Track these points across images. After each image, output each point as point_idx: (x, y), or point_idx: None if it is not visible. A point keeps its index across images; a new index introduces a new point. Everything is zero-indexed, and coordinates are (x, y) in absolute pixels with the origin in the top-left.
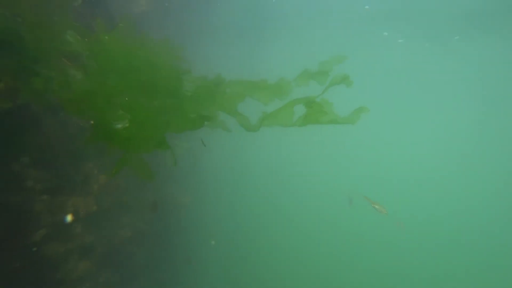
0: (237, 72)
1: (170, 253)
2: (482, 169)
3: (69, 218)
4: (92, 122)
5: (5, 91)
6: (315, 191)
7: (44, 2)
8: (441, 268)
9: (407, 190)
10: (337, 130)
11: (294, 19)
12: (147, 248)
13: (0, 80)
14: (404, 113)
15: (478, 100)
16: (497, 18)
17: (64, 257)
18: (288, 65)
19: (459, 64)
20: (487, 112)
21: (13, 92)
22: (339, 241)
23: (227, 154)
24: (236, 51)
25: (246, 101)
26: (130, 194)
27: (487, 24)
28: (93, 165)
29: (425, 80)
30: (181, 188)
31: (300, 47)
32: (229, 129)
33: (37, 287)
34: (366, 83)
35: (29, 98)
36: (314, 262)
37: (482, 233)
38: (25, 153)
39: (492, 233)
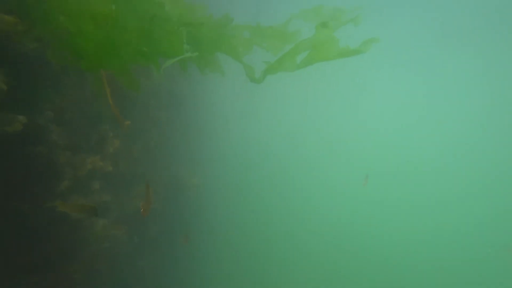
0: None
1: (179, 230)
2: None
3: (87, 174)
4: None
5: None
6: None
7: None
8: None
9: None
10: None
11: None
12: (158, 222)
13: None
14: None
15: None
16: None
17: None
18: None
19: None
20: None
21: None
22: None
23: (237, 138)
24: None
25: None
26: (143, 167)
27: None
28: (109, 128)
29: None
30: (190, 169)
31: None
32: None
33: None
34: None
35: (51, 56)
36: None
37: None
38: (48, 109)
39: None
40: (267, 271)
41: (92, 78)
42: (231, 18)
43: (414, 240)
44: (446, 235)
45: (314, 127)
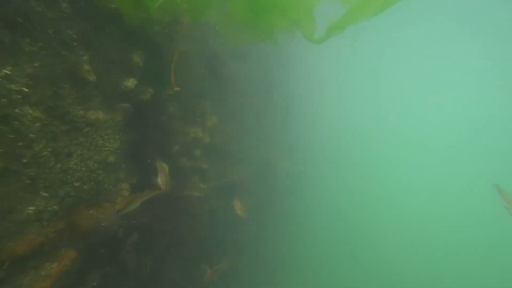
0: None
1: (267, 207)
2: None
3: (191, 142)
4: None
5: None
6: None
7: None
8: None
9: None
10: None
11: None
12: (249, 197)
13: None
14: None
15: None
16: None
17: (189, 173)
18: None
19: None
20: None
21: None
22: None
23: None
24: None
25: None
26: (237, 145)
27: None
28: (208, 105)
29: None
30: (280, 153)
31: None
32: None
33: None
34: None
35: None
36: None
37: None
38: (168, 86)
39: None
40: (348, 256)
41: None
42: None
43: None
44: None
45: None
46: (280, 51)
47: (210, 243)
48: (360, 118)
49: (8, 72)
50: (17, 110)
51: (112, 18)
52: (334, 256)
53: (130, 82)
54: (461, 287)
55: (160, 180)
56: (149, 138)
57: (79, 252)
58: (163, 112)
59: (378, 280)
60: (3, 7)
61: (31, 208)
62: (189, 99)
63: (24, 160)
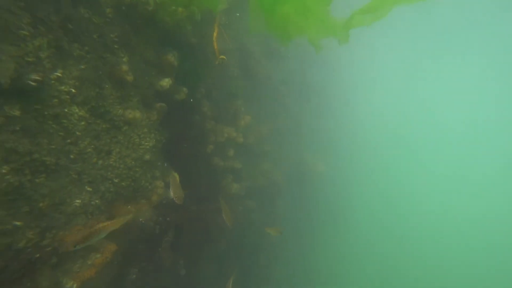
0: None
1: (301, 209)
2: None
3: (225, 142)
4: None
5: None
6: None
7: None
8: None
9: None
10: None
11: None
12: (284, 199)
13: None
14: None
15: None
16: None
17: (222, 173)
18: None
19: None
20: None
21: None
22: None
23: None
24: None
25: None
26: (270, 146)
27: None
28: (241, 104)
29: None
30: (316, 156)
31: None
32: None
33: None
34: None
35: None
36: None
37: None
38: (201, 86)
39: None
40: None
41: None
42: None
43: None
44: None
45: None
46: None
47: (243, 245)
48: (396, 117)
49: (59, 74)
50: (66, 110)
51: (149, 20)
52: (372, 260)
53: (165, 82)
54: None
55: (173, 192)
56: (184, 138)
57: (119, 246)
58: (197, 112)
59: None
60: (58, 15)
61: (77, 201)
62: (223, 99)
63: (72, 156)
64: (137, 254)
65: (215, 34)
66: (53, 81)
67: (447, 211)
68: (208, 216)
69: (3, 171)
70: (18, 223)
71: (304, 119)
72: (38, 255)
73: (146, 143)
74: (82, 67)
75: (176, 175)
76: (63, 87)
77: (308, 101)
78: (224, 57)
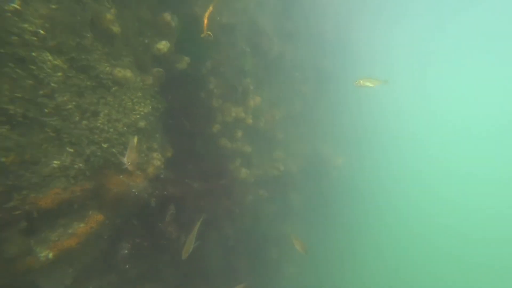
0: None
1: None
2: None
3: (232, 122)
4: None
5: None
6: None
7: None
8: None
9: None
10: None
11: None
12: (299, 192)
13: None
14: None
15: None
16: None
17: (230, 155)
18: None
19: None
20: None
21: None
22: None
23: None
24: None
25: None
26: (283, 133)
27: None
28: (250, 81)
29: None
30: (334, 148)
31: None
32: None
33: (214, 173)
34: None
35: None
36: None
37: None
38: (207, 61)
39: None
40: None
41: None
42: None
43: None
44: None
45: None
46: (337, 36)
47: (252, 236)
48: (418, 113)
49: (17, 7)
50: (34, 54)
51: None
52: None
53: (162, 45)
54: None
55: (126, 156)
56: (187, 114)
57: (110, 218)
58: (203, 89)
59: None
60: None
61: (55, 162)
62: (231, 76)
63: (46, 110)
64: (130, 229)
65: (210, 8)
66: (9, 14)
67: (474, 211)
68: (213, 197)
69: None
70: None
71: (322, 109)
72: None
73: (141, 109)
74: (53, 6)
75: (135, 139)
76: (26, 25)
77: (326, 91)
78: (211, 33)
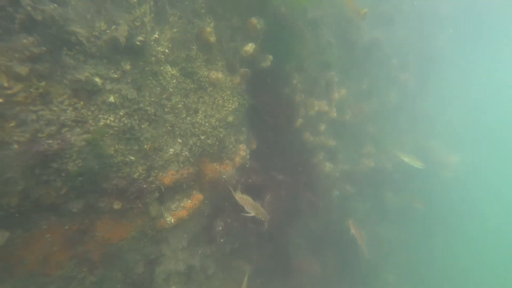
0: None
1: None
2: None
3: (316, 115)
4: None
5: None
6: None
7: None
8: None
9: None
10: None
11: None
12: (397, 197)
13: None
14: None
15: None
16: None
17: (313, 149)
18: None
19: None
20: None
21: None
22: None
23: None
24: None
25: None
26: (375, 127)
27: None
28: (335, 74)
29: None
30: (446, 144)
31: None
32: None
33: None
34: None
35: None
36: None
37: None
38: (292, 58)
39: None
40: None
41: None
42: None
43: None
44: None
45: None
46: (457, 7)
47: (339, 234)
48: None
49: (157, 36)
50: (161, 68)
51: None
52: None
53: (249, 47)
54: None
55: (260, 215)
56: (271, 109)
57: (208, 198)
58: (286, 84)
59: None
60: None
61: (171, 150)
62: (314, 70)
63: (166, 110)
64: (223, 210)
65: None
66: (152, 42)
67: None
68: (296, 189)
69: (121, 113)
70: (132, 157)
71: (425, 98)
72: (145, 186)
73: (229, 105)
74: (174, 30)
75: (248, 197)
76: (159, 48)
77: (434, 77)
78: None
